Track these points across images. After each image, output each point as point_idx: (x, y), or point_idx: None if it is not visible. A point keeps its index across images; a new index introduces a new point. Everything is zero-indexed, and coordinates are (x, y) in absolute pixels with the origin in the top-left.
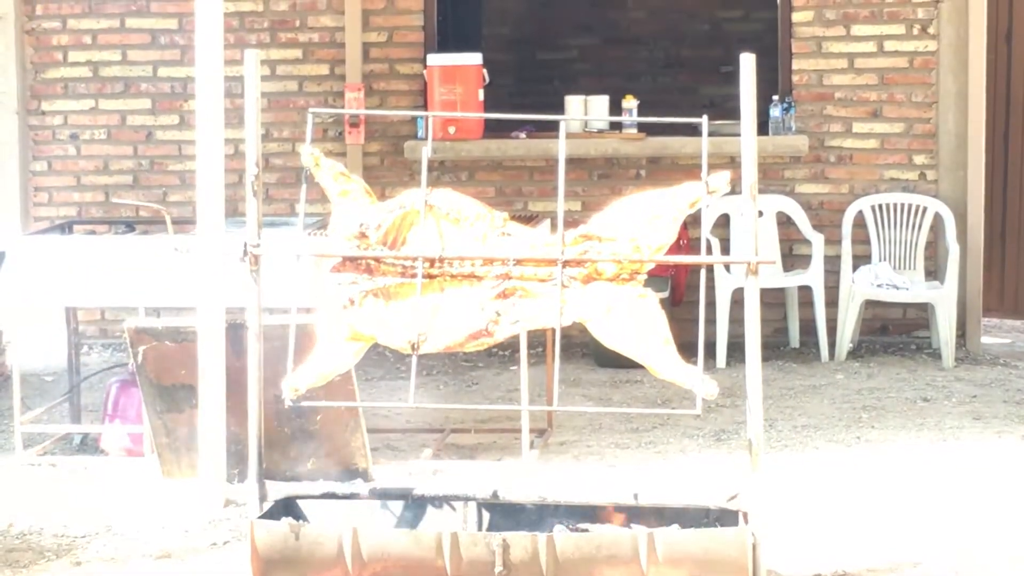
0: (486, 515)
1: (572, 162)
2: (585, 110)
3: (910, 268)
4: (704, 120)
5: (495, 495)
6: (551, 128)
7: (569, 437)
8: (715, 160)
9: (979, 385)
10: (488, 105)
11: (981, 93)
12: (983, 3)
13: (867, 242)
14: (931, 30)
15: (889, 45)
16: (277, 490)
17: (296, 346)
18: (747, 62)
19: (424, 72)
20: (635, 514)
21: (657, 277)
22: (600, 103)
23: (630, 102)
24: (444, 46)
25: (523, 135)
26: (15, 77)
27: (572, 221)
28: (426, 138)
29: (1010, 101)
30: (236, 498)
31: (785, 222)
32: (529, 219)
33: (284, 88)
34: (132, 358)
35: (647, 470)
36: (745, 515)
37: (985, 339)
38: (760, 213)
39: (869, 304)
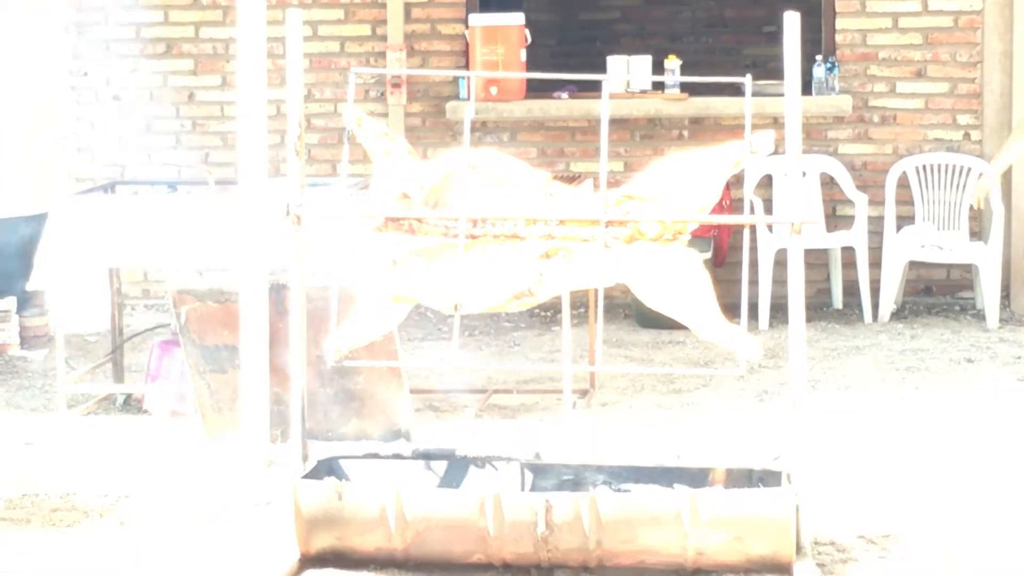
0: (528, 476)
1: (614, 122)
2: (628, 70)
3: (954, 229)
4: (748, 79)
5: (537, 456)
6: (593, 88)
7: (611, 398)
8: (758, 120)
9: (1023, 346)
10: (530, 65)
11: None
12: None
13: (911, 203)
14: None
15: (934, 4)
16: (320, 450)
17: (338, 307)
18: (792, 21)
19: (466, 32)
20: (678, 475)
21: (700, 238)
22: (643, 63)
23: (673, 62)
24: (486, 6)
25: (565, 95)
26: (58, 38)
27: (615, 182)
28: (468, 98)
29: None
30: (279, 458)
31: (828, 183)
32: (571, 179)
33: (326, 49)
34: (175, 318)
35: (690, 431)
36: (788, 476)
37: None
38: (803, 174)
39: (913, 265)
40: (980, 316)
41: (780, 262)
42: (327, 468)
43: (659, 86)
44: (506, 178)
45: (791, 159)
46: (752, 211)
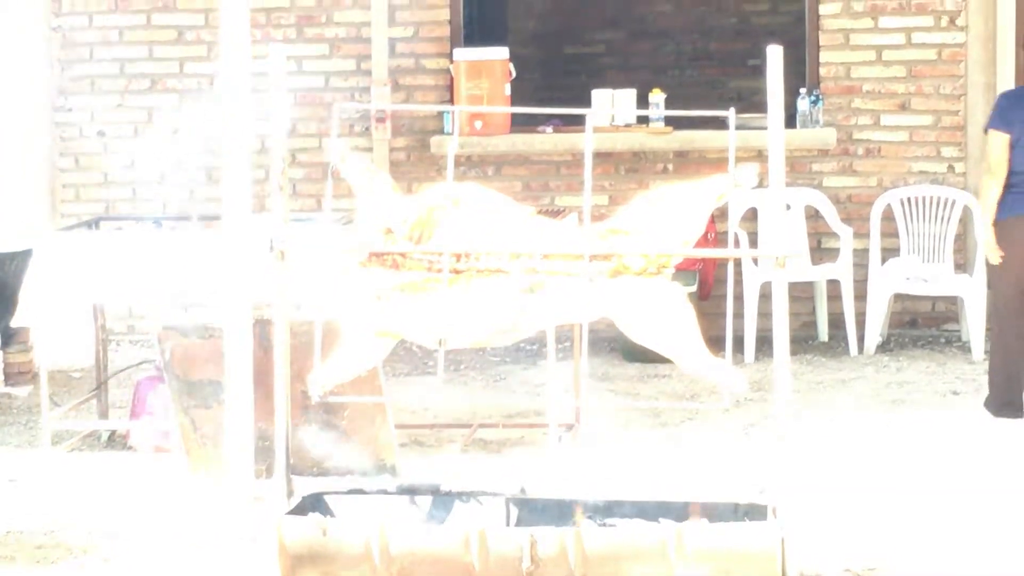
0: (514, 510)
1: (599, 156)
2: (612, 104)
3: (939, 261)
4: (731, 113)
5: (523, 490)
6: (578, 122)
7: (597, 432)
8: (743, 154)
9: None
10: (514, 99)
11: (1010, 85)
12: None
13: (896, 235)
14: (959, 22)
15: (917, 37)
16: (304, 486)
17: (323, 342)
18: (774, 54)
19: (451, 67)
20: (663, 509)
21: (685, 271)
22: (627, 97)
23: (657, 96)
24: (470, 40)
25: (550, 129)
26: (42, 74)
27: (599, 215)
28: (453, 133)
29: None
30: (264, 494)
31: (813, 215)
32: (556, 213)
33: (310, 84)
34: (159, 354)
35: (675, 464)
36: (774, 509)
37: None
38: (788, 207)
39: (898, 297)
40: (966, 348)
41: (765, 295)
42: (312, 504)
43: (644, 120)
44: (490, 212)
45: (775, 192)
46: (737, 244)
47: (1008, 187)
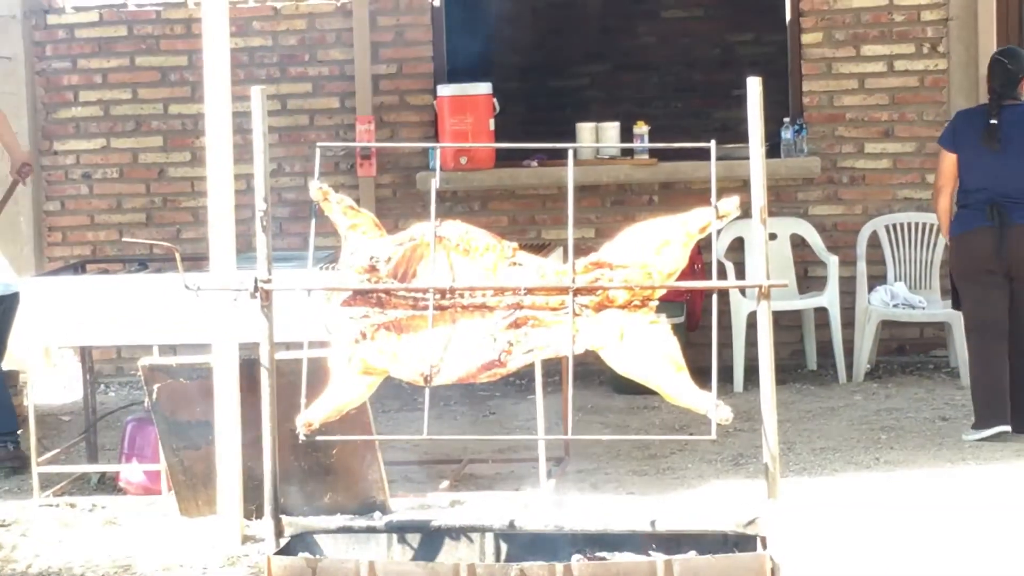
0: (504, 546)
1: (585, 189)
2: (596, 137)
3: (926, 287)
4: (712, 144)
5: (512, 525)
6: (563, 156)
7: (587, 465)
8: (728, 184)
9: None
10: (499, 134)
11: None
12: (992, 21)
13: (882, 262)
14: (941, 49)
15: (899, 65)
16: (294, 525)
17: (310, 381)
18: (754, 85)
19: (434, 103)
20: (653, 541)
21: (672, 302)
22: (611, 130)
23: (641, 128)
24: (454, 76)
25: (535, 163)
26: (27, 118)
27: (586, 248)
28: (438, 169)
29: None
30: (254, 534)
31: (800, 244)
32: (541, 247)
33: (295, 122)
34: (147, 396)
35: (665, 496)
36: (763, 540)
37: None
38: (774, 236)
39: (886, 324)
40: (954, 374)
41: (753, 325)
42: (301, 543)
43: (629, 152)
44: (473, 249)
45: (756, 223)
46: (723, 275)
47: (962, 205)
